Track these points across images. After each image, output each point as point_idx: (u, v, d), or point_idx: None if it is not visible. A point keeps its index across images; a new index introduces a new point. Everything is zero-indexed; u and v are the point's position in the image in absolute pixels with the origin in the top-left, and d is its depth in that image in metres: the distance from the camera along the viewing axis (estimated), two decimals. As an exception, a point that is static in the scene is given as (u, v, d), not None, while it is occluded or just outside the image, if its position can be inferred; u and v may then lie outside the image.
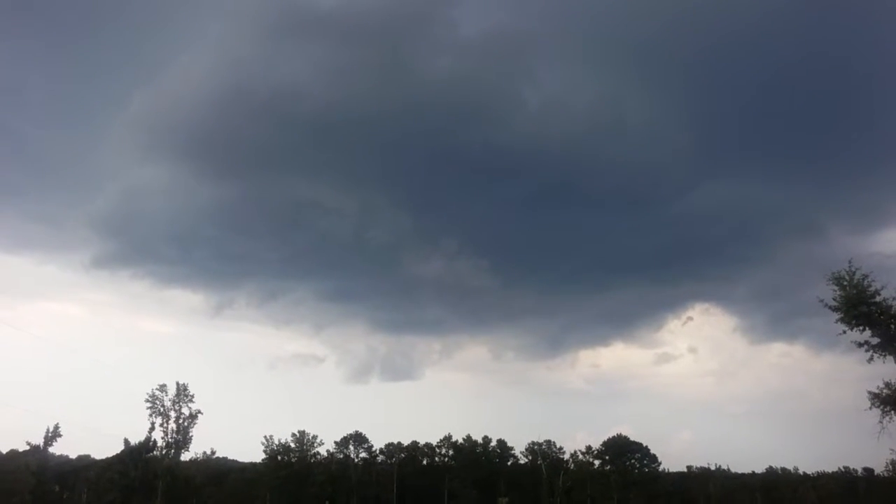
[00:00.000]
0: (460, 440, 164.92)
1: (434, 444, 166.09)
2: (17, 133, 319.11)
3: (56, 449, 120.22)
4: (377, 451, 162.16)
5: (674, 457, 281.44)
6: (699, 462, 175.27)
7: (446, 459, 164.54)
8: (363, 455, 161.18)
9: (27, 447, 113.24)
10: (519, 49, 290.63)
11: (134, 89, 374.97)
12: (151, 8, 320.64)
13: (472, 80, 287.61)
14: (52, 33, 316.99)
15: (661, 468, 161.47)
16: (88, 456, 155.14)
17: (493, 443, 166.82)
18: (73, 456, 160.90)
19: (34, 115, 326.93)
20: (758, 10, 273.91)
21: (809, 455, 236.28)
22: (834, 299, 42.43)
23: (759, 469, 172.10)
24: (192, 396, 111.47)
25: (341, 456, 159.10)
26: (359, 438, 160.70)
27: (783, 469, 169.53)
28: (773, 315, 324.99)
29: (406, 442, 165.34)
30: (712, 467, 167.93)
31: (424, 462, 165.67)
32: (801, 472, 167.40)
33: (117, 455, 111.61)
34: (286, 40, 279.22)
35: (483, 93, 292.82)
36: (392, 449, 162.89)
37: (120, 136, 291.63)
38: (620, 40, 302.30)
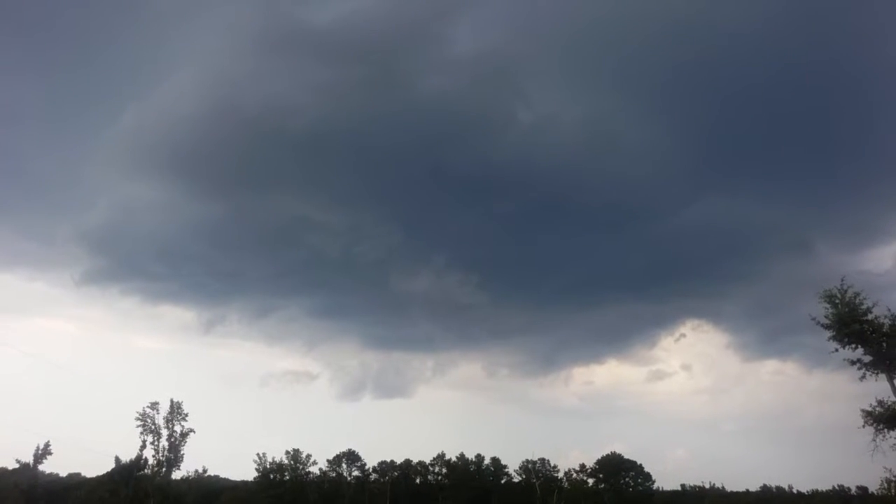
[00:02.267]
0: (454, 458, 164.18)
1: (427, 462, 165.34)
2: (6, 150, 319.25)
3: (46, 467, 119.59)
4: (370, 470, 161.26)
5: (668, 475, 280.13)
6: (694, 480, 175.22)
7: (440, 478, 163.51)
8: (356, 473, 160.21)
9: (17, 465, 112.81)
10: (511, 67, 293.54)
11: (124, 106, 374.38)
12: (144, 25, 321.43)
13: (464, 98, 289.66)
14: (44, 51, 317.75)
15: (655, 487, 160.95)
16: (79, 474, 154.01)
17: (487, 461, 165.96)
18: (63, 474, 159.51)
19: (24, 132, 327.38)
20: (750, 28, 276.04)
21: (804, 473, 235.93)
22: (826, 317, 42.72)
23: (754, 487, 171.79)
24: (186, 415, 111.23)
25: (334, 474, 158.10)
26: (352, 457, 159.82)
27: (778, 487, 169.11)
28: (765, 332, 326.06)
29: (399, 460, 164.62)
30: (707, 486, 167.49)
31: (418, 480, 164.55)
32: (795, 490, 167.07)
33: (108, 473, 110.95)
34: (278, 57, 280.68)
35: (475, 110, 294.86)
36: (385, 467, 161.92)
37: (110, 152, 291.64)
38: (613, 58, 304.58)
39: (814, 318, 42.88)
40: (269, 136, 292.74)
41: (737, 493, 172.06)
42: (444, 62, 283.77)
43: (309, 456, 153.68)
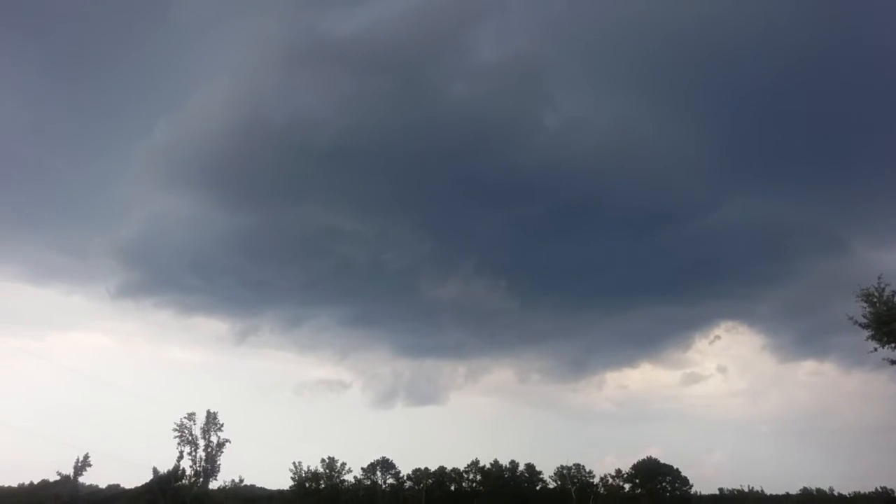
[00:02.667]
0: (488, 465, 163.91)
1: (461, 469, 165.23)
2: (41, 166, 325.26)
3: (86, 479, 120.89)
4: (405, 477, 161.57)
5: (706, 479, 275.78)
6: (732, 484, 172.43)
7: (474, 485, 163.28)
8: (391, 481, 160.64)
9: (57, 477, 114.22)
10: (536, 72, 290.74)
11: (155, 119, 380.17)
12: (173, 39, 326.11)
13: (490, 104, 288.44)
14: (74, 66, 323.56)
15: (693, 491, 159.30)
16: (118, 485, 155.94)
17: (521, 467, 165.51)
18: (102, 485, 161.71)
19: (57, 148, 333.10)
20: (779, 25, 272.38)
21: (845, 475, 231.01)
22: (864, 316, 42.00)
23: (794, 490, 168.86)
24: (222, 425, 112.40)
25: (369, 482, 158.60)
26: (386, 464, 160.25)
27: (818, 490, 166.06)
28: (801, 333, 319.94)
29: (433, 467, 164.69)
30: (746, 489, 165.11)
31: (452, 488, 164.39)
32: (836, 492, 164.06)
33: (146, 484, 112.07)
34: (303, 68, 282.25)
35: (500, 116, 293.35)
36: (419, 475, 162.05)
37: (142, 166, 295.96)
38: (640, 60, 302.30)
39: (851, 318, 42.20)
40: (296, 147, 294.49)
41: (776, 496, 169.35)
42: (468, 69, 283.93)
43: (344, 464, 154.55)
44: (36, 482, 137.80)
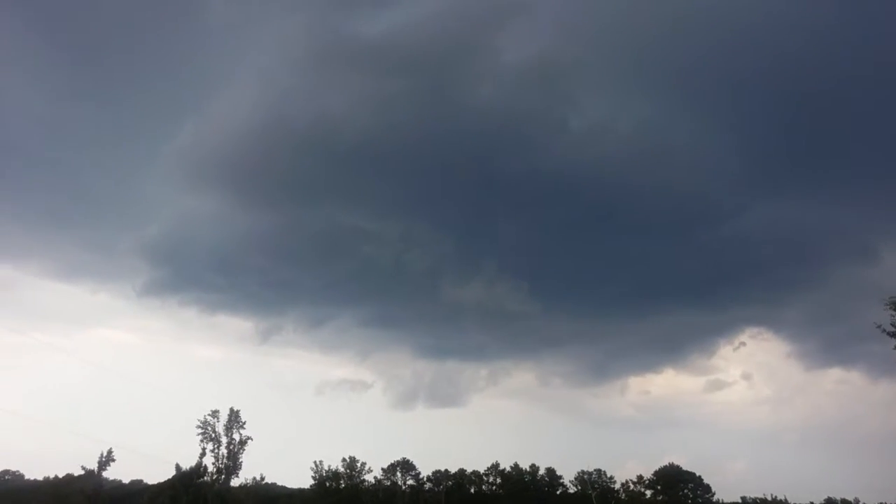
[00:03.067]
0: (508, 468, 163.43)
1: (481, 472, 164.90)
2: (70, 165, 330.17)
3: (109, 473, 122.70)
4: (424, 479, 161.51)
5: (728, 487, 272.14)
6: (755, 493, 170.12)
7: (494, 488, 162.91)
8: (410, 482, 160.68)
9: (82, 472, 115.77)
10: (562, 75, 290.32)
11: (183, 121, 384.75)
12: (200, 40, 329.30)
13: (514, 106, 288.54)
14: (104, 66, 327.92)
15: (715, 499, 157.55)
16: (141, 481, 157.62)
17: (542, 471, 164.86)
18: (126, 481, 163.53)
19: (86, 147, 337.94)
20: (807, 30, 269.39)
21: (871, 486, 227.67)
22: (892, 324, 41.36)
23: (818, 500, 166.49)
24: (244, 423, 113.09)
25: (389, 483, 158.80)
26: (406, 465, 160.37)
27: (843, 500, 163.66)
28: (828, 340, 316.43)
29: (453, 469, 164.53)
30: (768, 498, 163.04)
31: (472, 490, 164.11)
32: (861, 503, 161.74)
33: (169, 480, 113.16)
34: (329, 70, 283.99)
35: (525, 118, 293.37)
36: (439, 476, 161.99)
37: (168, 166, 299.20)
38: (666, 63, 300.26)
39: (879, 326, 41.61)
40: (321, 147, 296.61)
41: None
42: (493, 71, 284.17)
43: (364, 464, 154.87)
44: (61, 476, 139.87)
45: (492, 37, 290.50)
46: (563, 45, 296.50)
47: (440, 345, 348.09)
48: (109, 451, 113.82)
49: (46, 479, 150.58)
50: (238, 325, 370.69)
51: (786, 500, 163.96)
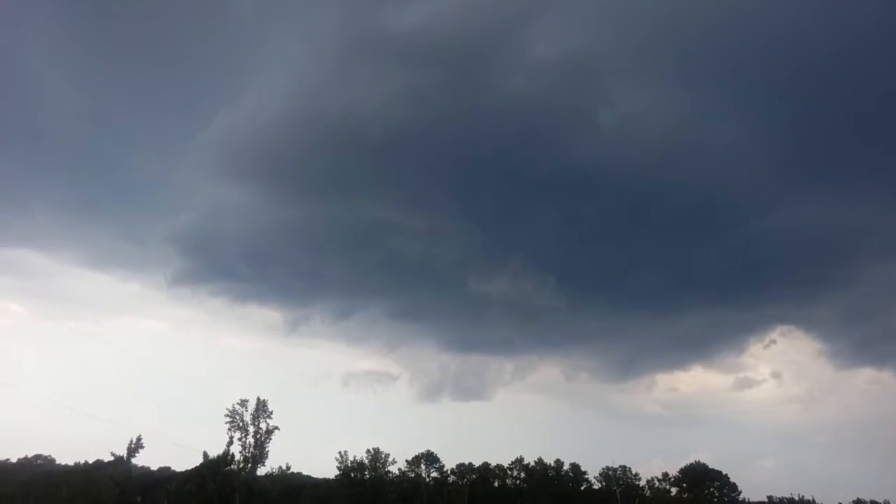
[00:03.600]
0: (532, 462, 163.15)
1: (505, 466, 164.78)
2: (103, 154, 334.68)
3: (139, 460, 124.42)
4: (448, 472, 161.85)
5: (755, 486, 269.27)
6: (782, 492, 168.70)
7: (518, 482, 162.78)
8: (434, 475, 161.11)
9: (111, 458, 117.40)
10: (593, 69, 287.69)
11: (214, 112, 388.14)
12: (231, 32, 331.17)
13: (545, 100, 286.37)
14: (137, 58, 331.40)
15: (741, 497, 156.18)
16: (169, 468, 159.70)
17: (566, 466, 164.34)
18: (154, 468, 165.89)
19: (119, 137, 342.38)
20: (842, 28, 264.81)
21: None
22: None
23: (846, 501, 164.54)
24: (271, 413, 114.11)
25: (413, 475, 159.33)
26: (430, 458, 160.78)
27: (873, 501, 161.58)
28: (859, 339, 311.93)
29: (477, 463, 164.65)
30: (796, 498, 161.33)
31: (496, 484, 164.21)
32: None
33: (196, 468, 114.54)
34: (359, 62, 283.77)
35: (555, 112, 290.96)
36: (463, 470, 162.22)
37: (200, 157, 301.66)
38: (699, 57, 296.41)
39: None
40: (350, 139, 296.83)
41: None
42: (524, 64, 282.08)
43: (388, 455, 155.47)
44: (91, 461, 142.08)
45: (523, 29, 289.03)
46: (595, 38, 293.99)
47: (466, 338, 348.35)
48: (139, 438, 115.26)
49: (77, 465, 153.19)
50: (267, 315, 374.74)
51: (813, 500, 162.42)
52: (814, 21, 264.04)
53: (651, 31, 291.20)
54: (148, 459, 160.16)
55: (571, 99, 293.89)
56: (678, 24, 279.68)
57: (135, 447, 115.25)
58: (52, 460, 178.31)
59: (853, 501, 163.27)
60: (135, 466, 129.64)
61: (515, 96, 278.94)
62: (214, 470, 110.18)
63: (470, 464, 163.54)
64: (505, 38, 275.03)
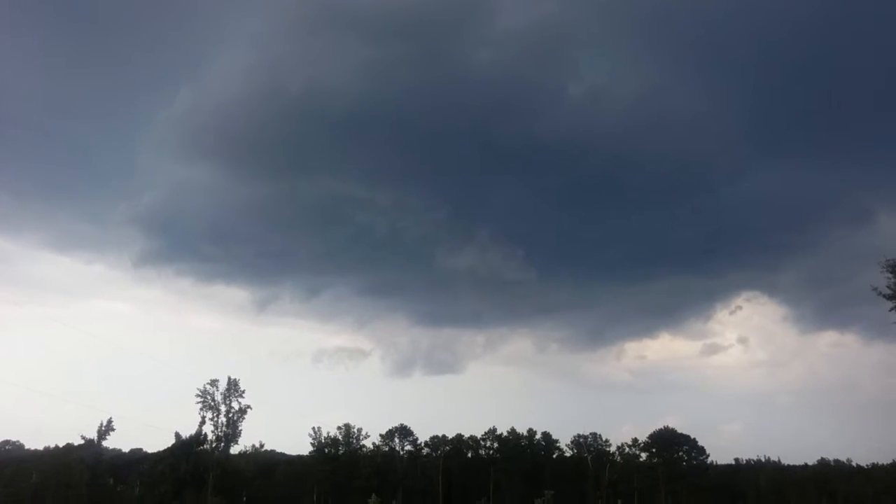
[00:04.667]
0: (505, 433, 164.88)
1: (479, 437, 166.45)
2: (63, 135, 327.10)
3: (109, 443, 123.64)
4: (422, 444, 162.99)
5: (722, 449, 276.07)
6: (749, 455, 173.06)
7: (491, 452, 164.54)
8: (408, 448, 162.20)
9: (82, 441, 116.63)
10: (561, 40, 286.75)
11: (176, 91, 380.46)
12: (192, 6, 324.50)
13: (513, 72, 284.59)
14: (95, 37, 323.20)
15: (709, 461, 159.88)
16: (141, 450, 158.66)
17: (538, 435, 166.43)
18: (125, 450, 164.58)
19: (78, 116, 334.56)
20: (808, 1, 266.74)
21: (863, 447, 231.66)
22: (888, 287, 41.55)
23: (812, 461, 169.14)
24: (243, 392, 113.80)
25: (387, 449, 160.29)
26: (404, 431, 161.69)
27: (836, 461, 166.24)
28: (823, 303, 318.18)
29: (451, 435, 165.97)
30: (763, 459, 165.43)
31: (469, 455, 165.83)
32: (854, 463, 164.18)
33: (169, 448, 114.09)
34: (321, 35, 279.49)
35: (523, 84, 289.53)
36: (437, 442, 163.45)
37: (162, 136, 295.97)
38: (667, 28, 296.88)
39: (875, 289, 41.84)
40: (315, 115, 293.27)
41: (794, 466, 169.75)
42: (491, 36, 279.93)
43: (360, 429, 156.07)
44: (61, 446, 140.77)
45: (489, 0, 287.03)
46: (563, 9, 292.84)
47: (437, 312, 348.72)
48: (109, 421, 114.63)
49: (47, 449, 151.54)
50: (234, 294, 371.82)
51: (779, 461, 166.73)
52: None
53: (617, 1, 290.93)
54: (119, 442, 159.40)
55: (538, 70, 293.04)
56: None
57: (105, 430, 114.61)
58: (21, 446, 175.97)
59: (818, 461, 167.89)
60: (106, 449, 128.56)
61: (483, 68, 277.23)
62: (187, 450, 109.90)
63: (443, 436, 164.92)
64: (472, 9, 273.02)
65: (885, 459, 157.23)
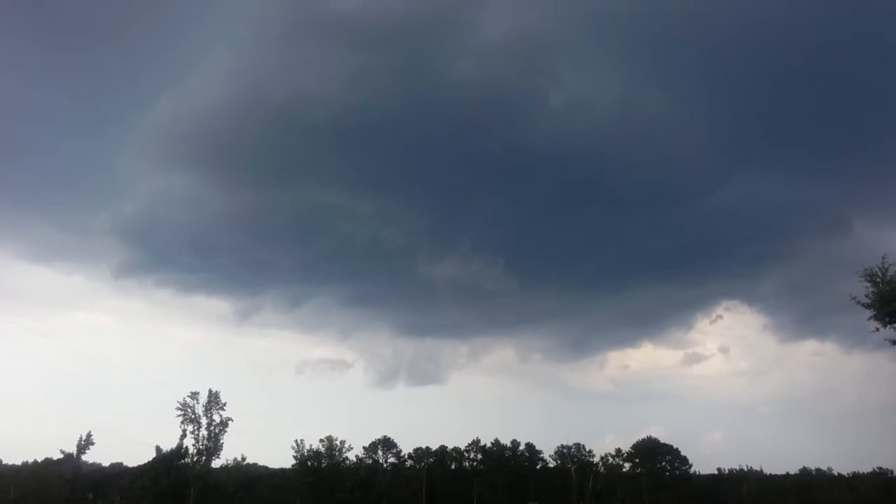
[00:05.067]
0: (489, 444, 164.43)
1: (462, 448, 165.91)
2: (42, 143, 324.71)
3: (89, 457, 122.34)
4: (406, 456, 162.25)
5: (705, 459, 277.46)
6: (731, 464, 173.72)
7: (475, 464, 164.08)
8: (392, 460, 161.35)
9: (61, 455, 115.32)
10: (542, 50, 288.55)
11: (156, 98, 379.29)
12: (172, 13, 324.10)
13: (495, 82, 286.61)
14: (74, 46, 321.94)
15: (692, 470, 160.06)
16: (121, 464, 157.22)
17: (522, 446, 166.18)
18: (105, 464, 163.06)
19: (58, 124, 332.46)
20: (788, 5, 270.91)
21: (844, 455, 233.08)
22: (867, 296, 41.91)
23: (793, 470, 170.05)
24: (224, 404, 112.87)
25: (370, 461, 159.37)
26: (387, 443, 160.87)
27: (818, 470, 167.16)
28: (802, 312, 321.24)
29: (434, 446, 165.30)
30: (745, 469, 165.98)
31: (453, 466, 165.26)
32: (835, 472, 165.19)
33: (149, 462, 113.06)
34: (304, 43, 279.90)
35: (505, 94, 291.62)
36: (420, 454, 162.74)
37: (142, 144, 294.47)
38: (646, 38, 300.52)
39: (854, 298, 42.16)
40: (296, 123, 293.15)
41: (776, 475, 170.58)
42: (473, 46, 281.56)
43: (343, 442, 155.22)
44: (40, 460, 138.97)
45: (470, 11, 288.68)
46: (544, 18, 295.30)
47: (420, 322, 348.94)
48: (89, 435, 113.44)
49: (25, 464, 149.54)
50: (216, 305, 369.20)
51: (761, 470, 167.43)
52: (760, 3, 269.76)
53: (600, 10, 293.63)
54: (99, 456, 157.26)
55: (520, 80, 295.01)
56: (626, 4, 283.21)
57: (85, 444, 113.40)
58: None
59: (799, 470, 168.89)
60: (85, 463, 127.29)
61: (464, 78, 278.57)
62: (168, 464, 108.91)
63: (427, 448, 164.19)
64: (454, 18, 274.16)
65: (865, 468, 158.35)
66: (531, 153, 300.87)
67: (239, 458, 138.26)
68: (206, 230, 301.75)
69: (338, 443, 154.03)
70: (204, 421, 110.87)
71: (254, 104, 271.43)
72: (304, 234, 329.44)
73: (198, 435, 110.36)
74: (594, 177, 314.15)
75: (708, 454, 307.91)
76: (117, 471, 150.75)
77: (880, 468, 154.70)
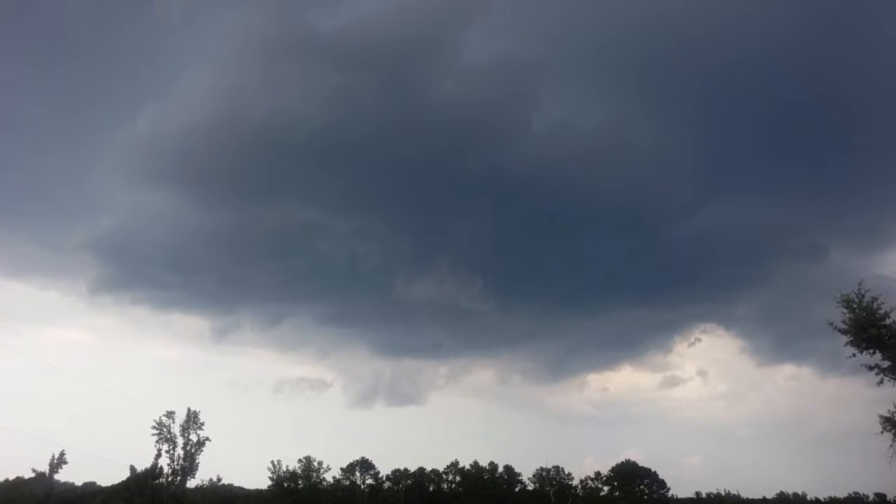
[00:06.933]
0: (467, 466, 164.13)
1: (441, 470, 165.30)
2: (18, 159, 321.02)
3: (61, 476, 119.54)
4: (384, 478, 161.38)
5: (683, 482, 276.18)
6: (709, 488, 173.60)
7: (453, 486, 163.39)
8: (370, 481, 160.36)
9: (33, 474, 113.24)
10: (524, 74, 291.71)
11: (134, 115, 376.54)
12: (153, 31, 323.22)
13: (476, 104, 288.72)
14: (51, 61, 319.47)
15: (670, 494, 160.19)
16: (94, 483, 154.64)
17: (501, 469, 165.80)
18: (78, 483, 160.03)
19: (33, 139, 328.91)
20: (760, 33, 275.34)
21: (820, 480, 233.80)
22: (843, 322, 42.35)
23: (770, 494, 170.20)
24: (202, 424, 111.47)
25: (348, 482, 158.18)
26: (365, 464, 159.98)
27: (794, 494, 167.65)
28: (779, 337, 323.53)
29: (412, 468, 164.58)
30: (723, 493, 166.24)
31: (431, 489, 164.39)
32: (811, 497, 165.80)
33: (123, 482, 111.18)
34: (286, 62, 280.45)
35: (486, 117, 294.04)
36: (399, 475, 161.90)
37: (118, 161, 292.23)
38: (627, 65, 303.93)
39: (831, 323, 42.59)
40: (276, 142, 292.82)
41: (753, 499, 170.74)
42: (455, 68, 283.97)
43: (321, 463, 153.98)
44: (11, 479, 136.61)
45: (454, 33, 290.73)
46: (526, 43, 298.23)
47: (398, 342, 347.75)
48: (61, 453, 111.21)
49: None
50: (193, 323, 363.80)
51: (739, 494, 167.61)
52: (740, 23, 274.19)
53: (582, 36, 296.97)
54: (72, 475, 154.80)
55: (501, 102, 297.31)
56: (608, 30, 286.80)
57: (58, 462, 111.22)
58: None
59: (777, 494, 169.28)
60: (58, 482, 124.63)
61: (446, 99, 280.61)
62: (142, 484, 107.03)
63: (405, 469, 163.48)
64: (437, 41, 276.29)
65: (840, 493, 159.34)
66: (509, 175, 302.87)
67: (214, 479, 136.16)
68: (183, 247, 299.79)
69: (315, 463, 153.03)
70: (180, 440, 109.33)
71: (233, 122, 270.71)
72: (282, 252, 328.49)
73: (173, 454, 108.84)
74: (572, 199, 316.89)
75: (686, 478, 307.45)
76: (91, 490, 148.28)
77: (856, 493, 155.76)
